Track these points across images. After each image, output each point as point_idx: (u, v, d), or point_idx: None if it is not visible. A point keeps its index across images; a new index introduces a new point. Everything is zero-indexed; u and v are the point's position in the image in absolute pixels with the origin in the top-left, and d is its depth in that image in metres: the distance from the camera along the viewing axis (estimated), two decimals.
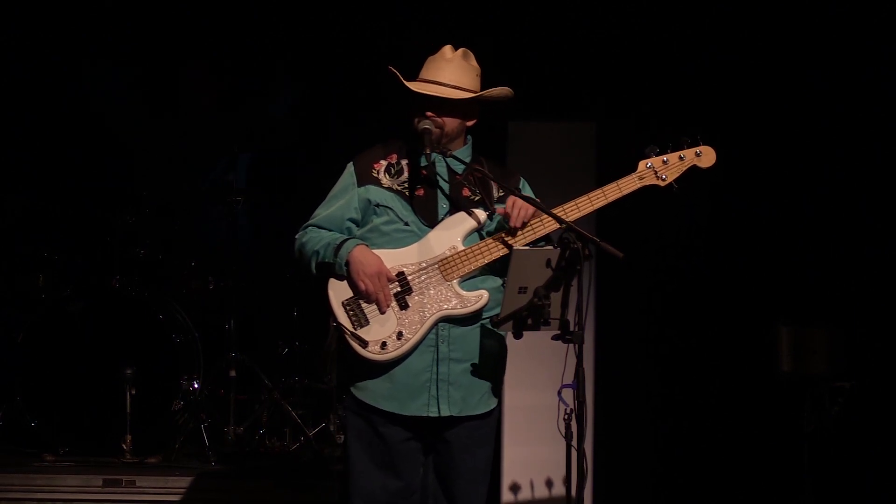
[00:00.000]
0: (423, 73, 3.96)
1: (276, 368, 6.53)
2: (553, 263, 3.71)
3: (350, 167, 4.01)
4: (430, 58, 3.97)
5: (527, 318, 3.75)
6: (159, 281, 6.46)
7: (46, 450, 5.97)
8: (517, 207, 3.84)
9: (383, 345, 3.84)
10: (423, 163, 3.93)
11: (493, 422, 4.03)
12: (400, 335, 3.84)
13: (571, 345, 3.70)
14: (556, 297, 3.73)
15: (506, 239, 3.87)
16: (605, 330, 5.43)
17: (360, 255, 3.85)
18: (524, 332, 3.78)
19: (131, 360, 5.96)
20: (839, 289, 6.02)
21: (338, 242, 3.88)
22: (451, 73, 3.93)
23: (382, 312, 3.85)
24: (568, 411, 4.35)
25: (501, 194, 3.97)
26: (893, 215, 6.01)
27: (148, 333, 6.09)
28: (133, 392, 5.89)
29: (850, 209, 6.09)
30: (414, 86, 3.91)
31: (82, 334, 6.08)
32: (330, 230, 3.95)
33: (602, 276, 4.50)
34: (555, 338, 3.74)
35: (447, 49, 3.97)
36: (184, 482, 5.62)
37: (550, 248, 3.75)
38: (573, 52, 6.40)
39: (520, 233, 3.87)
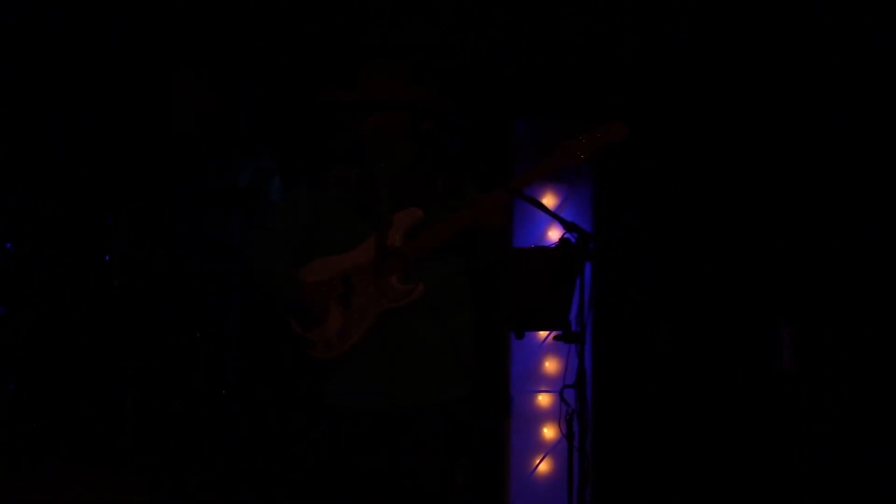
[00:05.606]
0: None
1: (277, 370, 6.52)
2: (554, 264, 3.73)
3: (308, 174, 4.15)
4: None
5: (528, 319, 3.76)
6: (160, 281, 6.45)
7: (46, 451, 5.97)
8: (487, 212, 3.88)
9: (327, 344, 3.99)
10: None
11: (464, 409, 4.07)
12: (342, 333, 3.97)
13: (573, 345, 3.72)
14: (557, 298, 3.74)
15: (437, 231, 3.92)
16: (605, 330, 5.44)
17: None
18: (525, 332, 3.80)
19: (132, 361, 5.95)
20: (839, 289, 6.02)
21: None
22: None
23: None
24: (569, 411, 4.35)
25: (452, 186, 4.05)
26: (893, 215, 6.02)
27: (148, 334, 6.09)
28: (134, 393, 5.89)
29: (851, 209, 6.10)
30: None
31: (82, 335, 6.08)
32: (284, 237, 4.06)
33: (602, 277, 4.50)
34: (556, 338, 3.76)
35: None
36: (184, 484, 5.62)
37: (551, 248, 3.76)
38: (579, 51, 6.40)
39: (431, 231, 3.93)
